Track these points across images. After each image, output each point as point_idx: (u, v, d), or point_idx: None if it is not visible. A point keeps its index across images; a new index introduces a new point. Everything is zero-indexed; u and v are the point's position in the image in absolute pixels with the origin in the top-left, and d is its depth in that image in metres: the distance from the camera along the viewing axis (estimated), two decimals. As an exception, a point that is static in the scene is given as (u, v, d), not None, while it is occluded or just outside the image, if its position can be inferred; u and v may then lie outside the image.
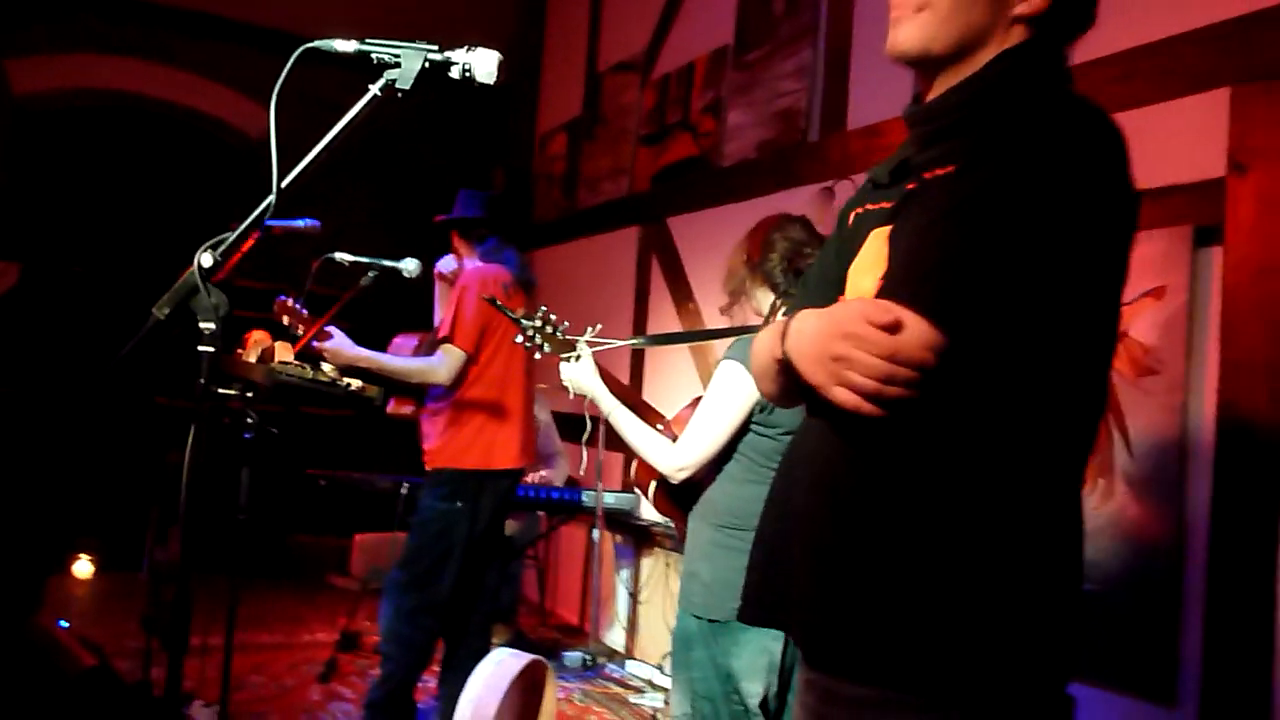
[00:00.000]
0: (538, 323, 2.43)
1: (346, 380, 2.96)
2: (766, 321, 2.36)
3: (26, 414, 5.82)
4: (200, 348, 1.42)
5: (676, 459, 2.28)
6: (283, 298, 3.13)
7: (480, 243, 3.60)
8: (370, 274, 2.74)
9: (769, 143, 4.54)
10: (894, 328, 1.11)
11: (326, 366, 2.95)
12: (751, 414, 2.26)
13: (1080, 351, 1.25)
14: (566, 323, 2.50)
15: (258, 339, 2.93)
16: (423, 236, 3.88)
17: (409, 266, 2.85)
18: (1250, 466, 2.54)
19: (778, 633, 2.16)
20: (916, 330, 1.12)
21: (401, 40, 1.52)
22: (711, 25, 5.11)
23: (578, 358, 2.43)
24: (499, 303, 2.53)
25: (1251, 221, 2.58)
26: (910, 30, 1.35)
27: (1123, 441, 2.82)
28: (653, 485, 2.48)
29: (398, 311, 3.70)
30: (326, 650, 4.72)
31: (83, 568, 5.93)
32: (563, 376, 2.44)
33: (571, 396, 2.46)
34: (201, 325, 1.42)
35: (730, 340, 2.36)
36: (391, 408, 3.43)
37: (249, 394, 1.76)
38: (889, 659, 1.23)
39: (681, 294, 5.10)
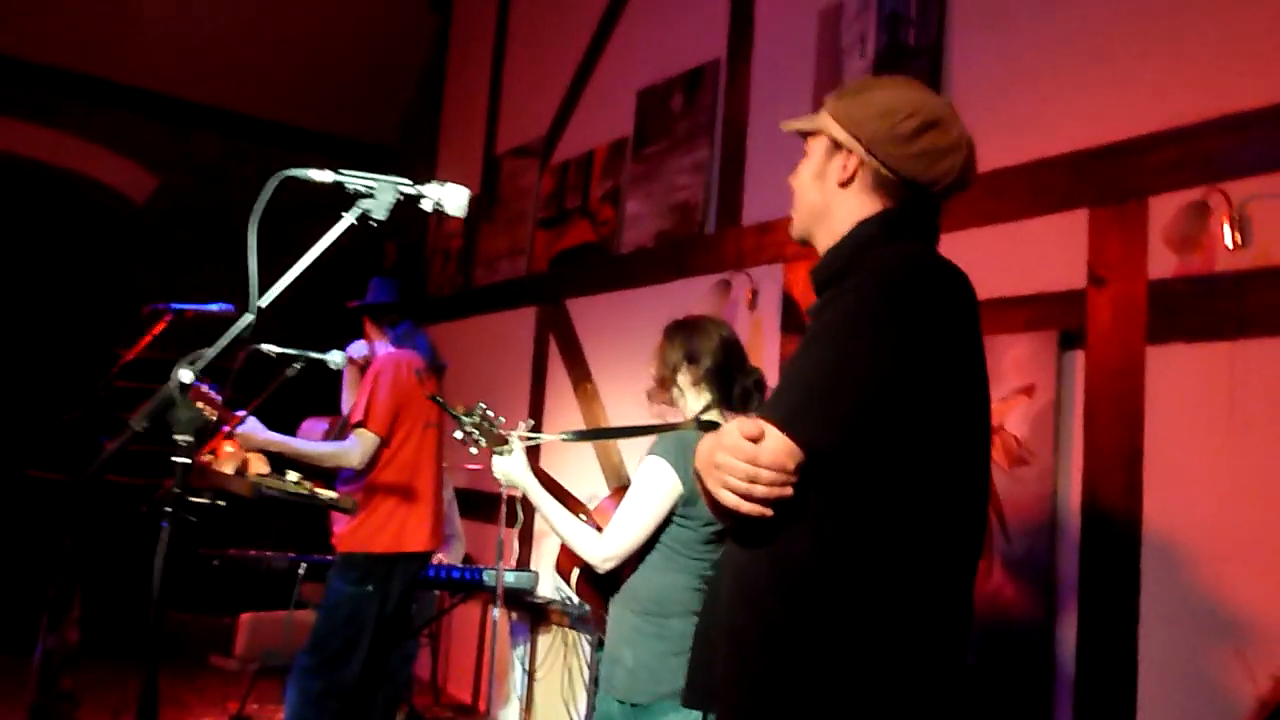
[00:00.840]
0: (476, 418, 2.53)
1: (325, 492, 2.99)
2: (700, 423, 2.50)
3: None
4: (175, 459, 1.48)
5: (603, 549, 2.40)
6: (197, 383, 3.13)
7: (392, 327, 3.69)
8: (296, 365, 2.80)
9: (666, 233, 4.76)
10: (757, 439, 1.35)
11: (294, 476, 2.99)
12: (675, 507, 2.40)
13: (925, 454, 1.44)
14: (503, 418, 2.61)
15: (229, 450, 2.95)
16: (315, 318, 3.91)
17: (335, 358, 2.92)
18: (1111, 546, 2.81)
19: (695, 715, 2.28)
20: (772, 440, 1.36)
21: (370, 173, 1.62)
22: (611, 117, 5.34)
23: (510, 452, 2.53)
24: (440, 399, 2.63)
25: (1108, 328, 2.89)
26: (792, 224, 1.71)
27: (1000, 526, 3.07)
28: (575, 572, 2.59)
29: (304, 397, 3.73)
30: (213, 735, 4.61)
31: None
32: (495, 470, 2.54)
33: (504, 488, 2.56)
34: (177, 438, 1.49)
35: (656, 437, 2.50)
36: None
37: (220, 503, 1.80)
38: None
39: (579, 374, 5.24)
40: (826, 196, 1.63)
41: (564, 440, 2.63)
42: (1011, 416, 3.09)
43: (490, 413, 2.57)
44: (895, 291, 1.42)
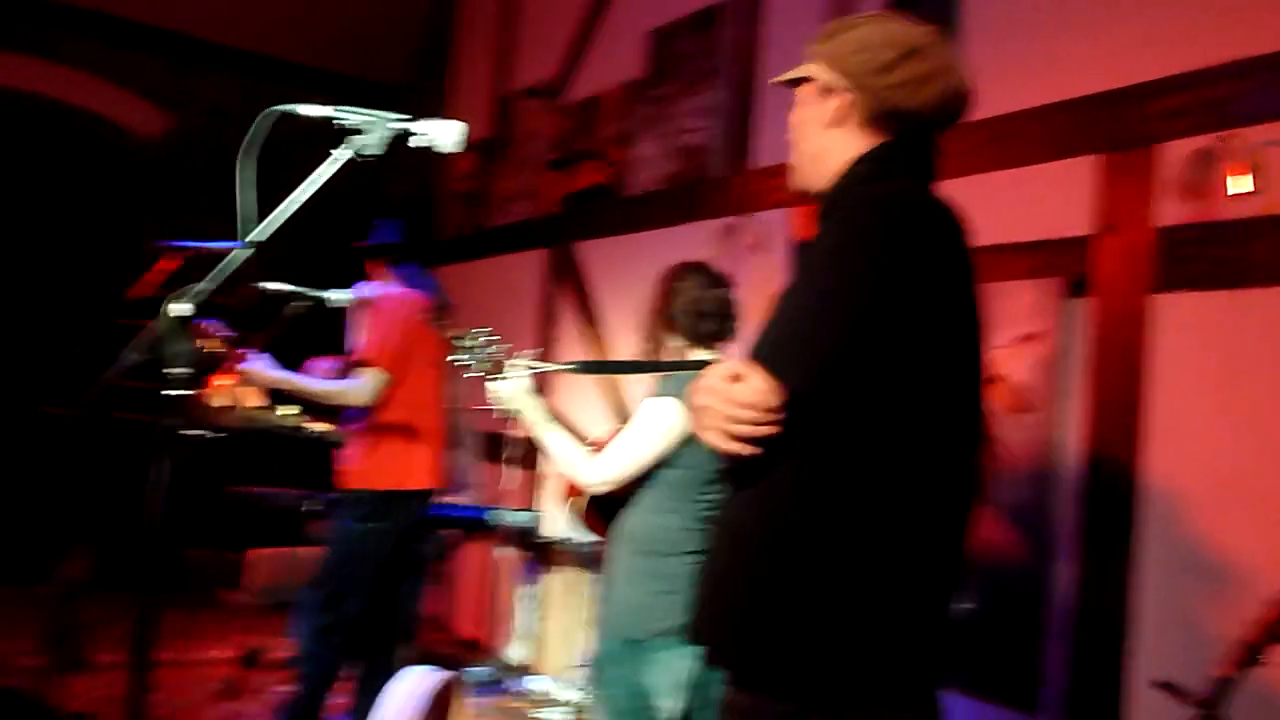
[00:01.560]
0: (477, 342, 2.51)
1: (313, 426, 3.03)
2: (678, 362, 2.55)
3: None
4: (168, 390, 1.50)
5: (597, 473, 2.43)
6: (205, 321, 3.16)
7: (397, 268, 3.69)
8: (299, 303, 2.82)
9: (675, 176, 4.74)
10: (738, 379, 1.36)
11: (287, 409, 3.02)
12: (676, 446, 2.43)
13: (906, 393, 1.44)
14: (508, 345, 2.58)
15: (224, 384, 2.98)
16: (328, 259, 3.91)
17: (337, 296, 2.94)
18: (1110, 495, 2.82)
19: (690, 651, 2.33)
20: (752, 380, 1.36)
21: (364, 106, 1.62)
22: (622, 58, 5.28)
23: (509, 376, 2.52)
24: (445, 324, 2.63)
25: (1114, 276, 2.87)
26: (792, 175, 1.70)
27: (1000, 472, 3.09)
28: (582, 501, 2.63)
29: (310, 336, 3.75)
30: (221, 667, 4.71)
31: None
32: (492, 394, 2.54)
33: (497, 414, 2.57)
34: (170, 370, 1.50)
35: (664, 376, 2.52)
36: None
37: (209, 435, 1.82)
38: (794, 676, 1.43)
39: (588, 318, 5.25)
40: (821, 140, 1.63)
41: (566, 370, 2.64)
42: (1016, 363, 3.08)
43: (495, 338, 2.54)
44: (872, 227, 1.42)
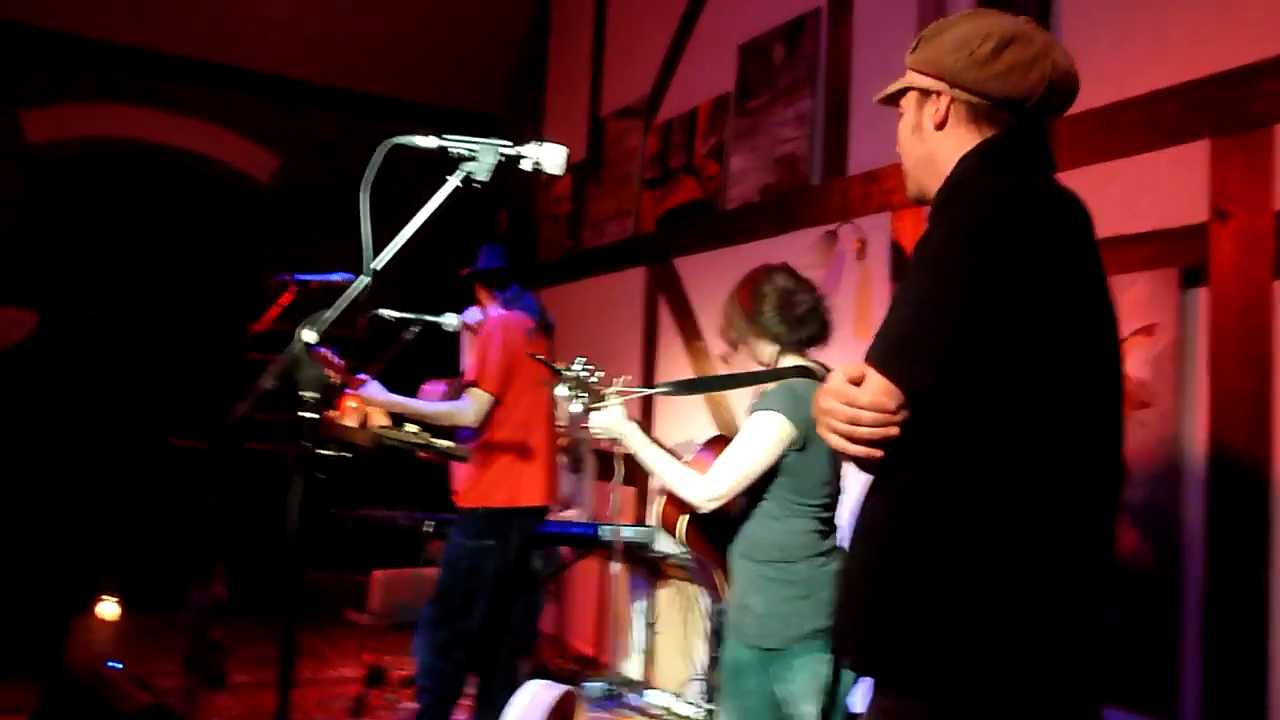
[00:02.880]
0: (576, 373, 2.59)
1: (440, 441, 3.14)
2: (775, 370, 2.56)
3: (50, 458, 5.96)
4: (302, 413, 1.58)
5: (706, 490, 2.45)
6: (320, 349, 3.29)
7: (501, 291, 3.79)
8: (413, 329, 2.92)
9: (771, 187, 4.74)
10: (858, 382, 1.37)
11: (412, 427, 3.14)
12: (785, 454, 2.44)
13: (1033, 385, 1.39)
14: (602, 371, 2.67)
15: (352, 405, 3.11)
16: (439, 285, 4.02)
17: (449, 320, 3.03)
18: (1240, 491, 2.72)
19: (826, 656, 2.32)
20: (871, 382, 1.37)
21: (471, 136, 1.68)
22: (713, 73, 5.32)
23: (608, 405, 2.58)
24: (541, 357, 2.71)
25: (1233, 263, 2.78)
26: (907, 187, 1.71)
27: (1120, 471, 3.00)
28: (683, 521, 2.65)
29: (425, 361, 3.88)
30: (351, 685, 4.86)
31: (108, 609, 6.03)
32: (593, 424, 2.60)
33: (604, 441, 2.63)
34: (303, 394, 1.58)
35: (763, 387, 2.53)
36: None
37: (346, 455, 1.92)
38: (935, 678, 1.40)
39: (690, 333, 5.28)
40: (929, 145, 1.62)
41: (662, 393, 2.68)
42: (1132, 358, 3.00)
43: (590, 367, 2.62)
44: (986, 218, 1.40)
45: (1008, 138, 1.55)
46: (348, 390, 3.35)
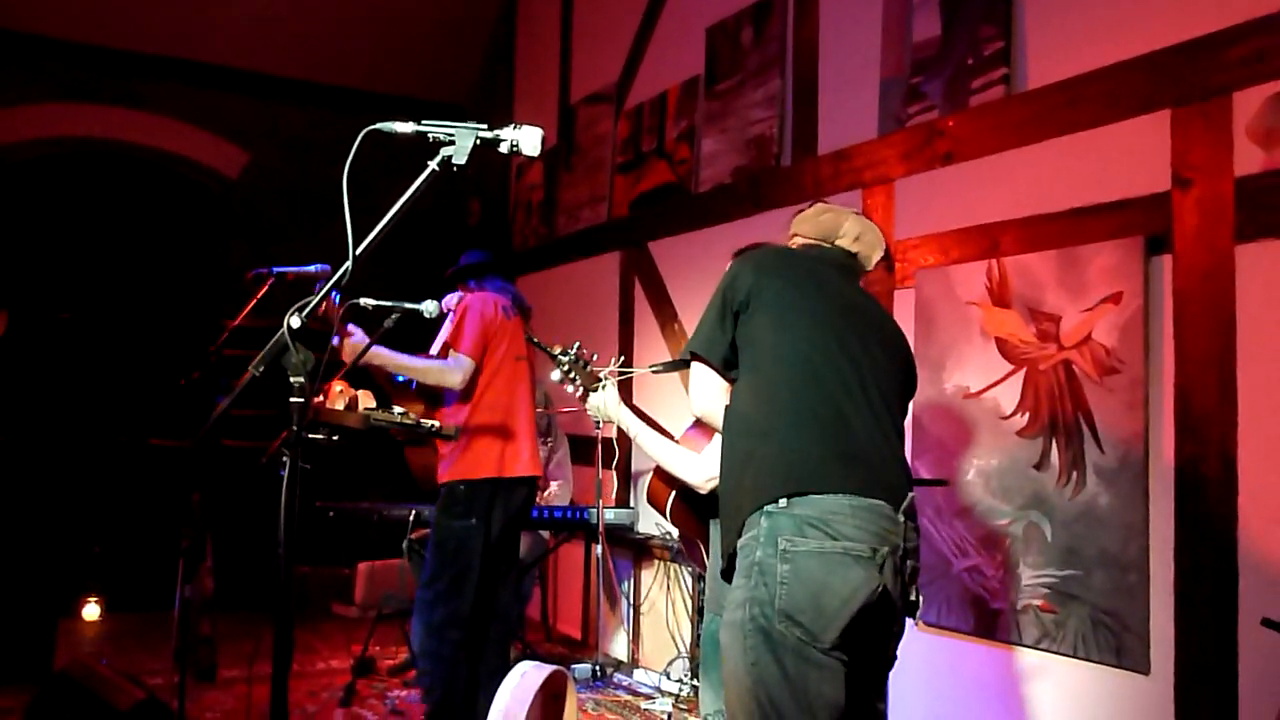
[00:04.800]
0: (571, 357, 2.63)
1: (429, 422, 3.15)
2: None
3: (28, 460, 5.93)
4: (291, 399, 1.60)
5: (705, 470, 2.48)
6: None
7: (480, 281, 3.82)
8: (393, 316, 2.93)
9: (743, 169, 4.78)
10: None
11: (400, 409, 3.15)
12: None
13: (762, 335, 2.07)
14: (595, 354, 2.70)
15: (341, 389, 3.12)
16: (410, 277, 4.00)
17: (429, 308, 3.03)
18: (1207, 451, 2.80)
19: None
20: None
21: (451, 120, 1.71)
22: (682, 57, 5.35)
23: (603, 388, 2.63)
24: (536, 340, 2.73)
25: (1195, 230, 2.85)
26: None
27: (1092, 437, 3.07)
28: (671, 497, 2.69)
29: (406, 348, 3.90)
30: (341, 676, 4.88)
31: (91, 610, 6.04)
32: (588, 406, 2.64)
33: (599, 425, 2.67)
34: (292, 380, 1.61)
35: None
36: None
37: (335, 438, 1.94)
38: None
39: (666, 315, 5.32)
40: None
41: (654, 371, 2.72)
42: (1100, 326, 3.07)
43: (585, 351, 2.66)
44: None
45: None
46: (339, 343, 3.29)
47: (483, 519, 3.58)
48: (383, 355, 3.40)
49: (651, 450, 2.59)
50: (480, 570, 3.59)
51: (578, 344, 2.68)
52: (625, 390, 5.51)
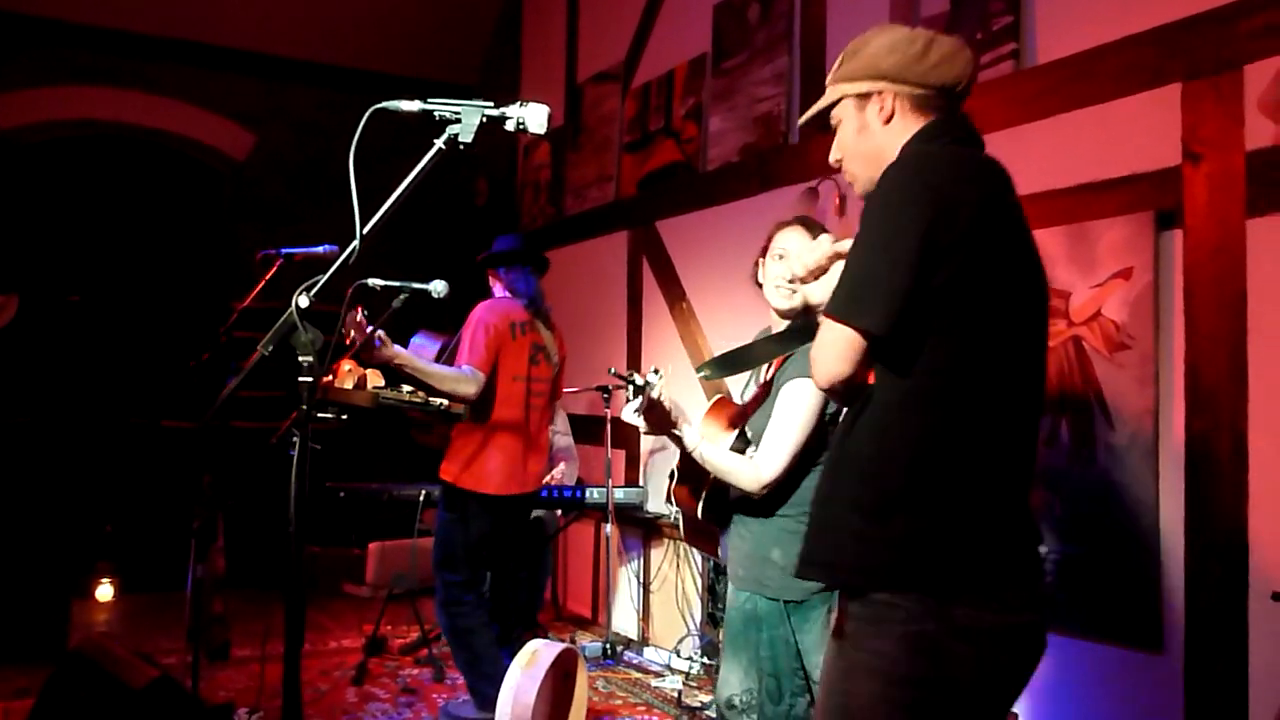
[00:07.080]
0: (644, 382, 2.46)
1: (437, 400, 3.16)
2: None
3: (41, 442, 5.96)
4: (300, 378, 1.61)
5: (761, 475, 2.42)
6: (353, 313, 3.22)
7: (507, 272, 3.85)
8: (402, 296, 2.92)
9: (751, 146, 4.76)
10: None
11: (408, 388, 3.16)
12: (823, 414, 2.46)
13: (964, 322, 1.55)
14: (655, 368, 2.54)
15: (349, 369, 3.12)
16: (412, 253, 3.99)
17: (437, 287, 3.02)
18: (1217, 426, 2.79)
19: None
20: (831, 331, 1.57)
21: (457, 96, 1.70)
22: (689, 34, 5.32)
23: (649, 405, 2.49)
24: (616, 370, 2.59)
25: (1205, 205, 2.83)
26: (857, 185, 1.81)
27: (1102, 413, 3.07)
28: (699, 506, 2.63)
29: (415, 328, 3.90)
30: (353, 655, 4.92)
31: (104, 591, 6.09)
32: (640, 426, 2.51)
33: (646, 437, 2.59)
34: (300, 359, 1.61)
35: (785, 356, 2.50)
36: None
37: (344, 417, 1.95)
38: (903, 574, 1.57)
39: (674, 294, 5.31)
40: (878, 140, 1.75)
41: (704, 377, 2.62)
42: (1110, 301, 3.06)
43: (659, 374, 2.49)
44: (901, 181, 1.58)
45: (938, 122, 1.73)
46: (350, 339, 3.27)
47: (460, 516, 3.72)
48: (405, 356, 3.40)
49: (709, 461, 2.49)
50: (469, 558, 3.69)
51: (653, 369, 2.50)
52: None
